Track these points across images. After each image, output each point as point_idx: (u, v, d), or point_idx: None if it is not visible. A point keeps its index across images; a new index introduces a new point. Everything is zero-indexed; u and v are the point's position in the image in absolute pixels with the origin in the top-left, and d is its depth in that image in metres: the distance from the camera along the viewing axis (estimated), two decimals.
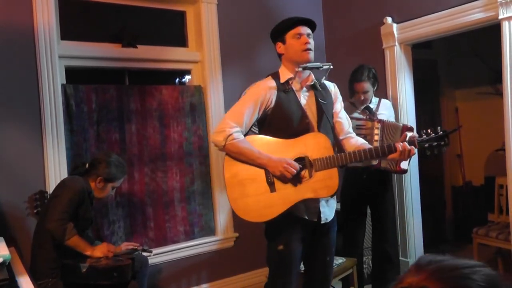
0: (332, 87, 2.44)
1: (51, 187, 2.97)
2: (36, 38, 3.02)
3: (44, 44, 3.04)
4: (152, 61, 3.60)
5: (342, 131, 2.40)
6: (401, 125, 3.18)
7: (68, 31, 3.28)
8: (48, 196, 2.88)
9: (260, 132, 2.33)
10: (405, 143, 2.10)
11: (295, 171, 2.12)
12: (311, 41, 2.26)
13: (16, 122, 2.96)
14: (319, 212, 2.27)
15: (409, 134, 3.01)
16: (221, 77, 3.77)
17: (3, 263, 2.03)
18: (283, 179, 2.15)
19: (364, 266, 3.57)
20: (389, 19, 3.73)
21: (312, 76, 2.33)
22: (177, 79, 4.02)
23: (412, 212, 3.77)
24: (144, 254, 2.94)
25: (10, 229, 2.89)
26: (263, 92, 2.24)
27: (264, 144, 2.21)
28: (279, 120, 2.24)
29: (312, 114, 2.29)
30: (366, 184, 3.20)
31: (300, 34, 2.23)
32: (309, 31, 2.27)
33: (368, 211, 3.46)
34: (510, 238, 3.23)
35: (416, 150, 2.16)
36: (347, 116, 2.48)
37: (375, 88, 3.31)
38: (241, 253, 3.80)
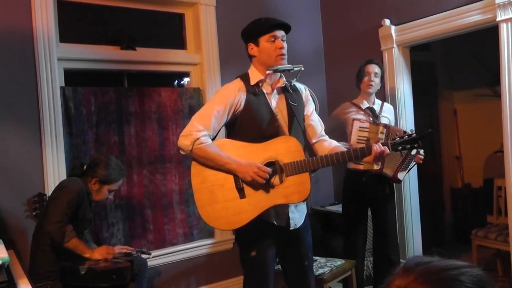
0: (303, 89, 2.37)
1: (50, 189, 2.97)
2: (35, 40, 3.02)
3: (43, 47, 3.04)
4: (151, 64, 3.61)
5: (315, 134, 2.33)
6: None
7: (67, 33, 3.29)
8: (47, 199, 2.88)
9: (229, 136, 2.25)
10: (379, 144, 2.03)
11: (267, 176, 2.04)
12: (285, 44, 2.18)
13: (15, 124, 2.96)
14: (288, 218, 2.21)
15: None
16: (220, 79, 3.77)
17: (2, 266, 2.03)
18: (254, 185, 2.07)
19: (364, 268, 3.57)
20: (387, 21, 3.74)
21: (283, 78, 2.26)
22: (176, 82, 4.02)
23: (411, 214, 3.78)
24: (143, 256, 2.94)
25: (9, 232, 2.88)
26: (232, 94, 2.16)
27: (233, 148, 2.12)
28: (248, 123, 2.16)
29: (282, 117, 2.22)
30: (366, 187, 3.20)
31: (275, 38, 2.15)
32: (283, 33, 2.19)
33: (369, 213, 3.46)
34: (509, 240, 3.23)
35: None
36: (319, 118, 2.41)
37: (380, 85, 3.32)
38: None
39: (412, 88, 3.84)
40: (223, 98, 2.17)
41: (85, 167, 2.77)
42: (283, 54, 2.17)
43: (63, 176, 3.07)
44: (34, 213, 2.86)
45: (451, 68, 5.22)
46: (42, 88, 3.03)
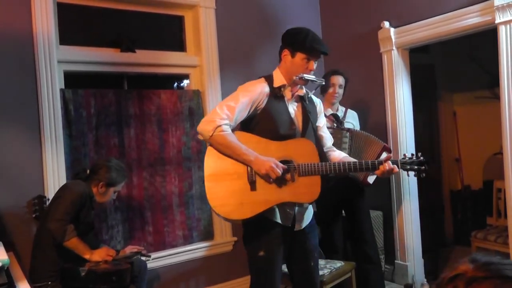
0: (318, 103, 2.48)
1: (50, 191, 2.98)
2: (35, 43, 3.03)
3: (43, 49, 3.04)
4: (150, 66, 3.61)
5: (324, 146, 2.44)
6: (382, 143, 3.16)
7: (67, 36, 3.29)
8: (47, 201, 2.90)
9: (243, 131, 2.30)
10: (389, 162, 2.14)
11: (280, 173, 2.10)
12: (315, 67, 2.27)
13: (15, 126, 2.96)
14: (294, 219, 2.27)
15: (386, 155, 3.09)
16: (219, 81, 3.78)
17: (1, 268, 2.03)
18: (267, 179, 2.13)
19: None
20: (386, 24, 3.74)
21: (303, 89, 2.35)
22: (176, 84, 4.03)
23: (410, 216, 3.78)
24: (143, 258, 2.95)
25: (9, 234, 2.88)
26: (258, 91, 2.22)
27: (249, 142, 2.17)
28: (266, 122, 2.22)
29: (298, 124, 2.31)
30: (334, 190, 3.19)
31: (310, 59, 2.24)
32: (320, 57, 2.30)
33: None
34: (509, 242, 3.23)
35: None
36: (329, 134, 2.52)
37: (344, 92, 3.39)
38: (240, 257, 3.78)
39: (412, 90, 3.84)
40: (249, 93, 2.22)
41: (88, 171, 2.80)
42: (309, 74, 2.26)
43: (63, 178, 3.07)
44: (33, 215, 2.87)
45: (450, 70, 5.22)
46: (42, 90, 3.03)
